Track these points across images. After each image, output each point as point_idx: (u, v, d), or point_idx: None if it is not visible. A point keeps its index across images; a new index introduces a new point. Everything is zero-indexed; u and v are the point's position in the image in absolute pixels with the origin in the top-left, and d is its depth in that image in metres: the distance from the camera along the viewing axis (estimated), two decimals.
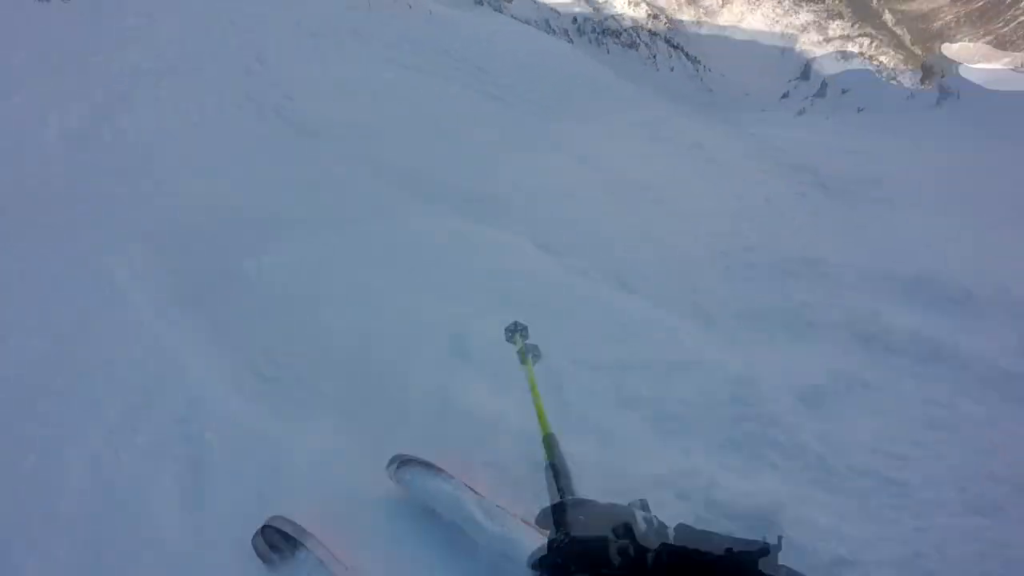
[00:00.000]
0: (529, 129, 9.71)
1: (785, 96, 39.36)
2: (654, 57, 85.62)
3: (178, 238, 5.14)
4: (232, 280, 4.57)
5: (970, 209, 7.54)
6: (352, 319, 4.11)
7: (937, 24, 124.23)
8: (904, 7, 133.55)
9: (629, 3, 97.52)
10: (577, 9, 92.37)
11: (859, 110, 33.44)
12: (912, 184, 8.80)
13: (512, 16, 75.54)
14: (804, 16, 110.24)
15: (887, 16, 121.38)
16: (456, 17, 16.18)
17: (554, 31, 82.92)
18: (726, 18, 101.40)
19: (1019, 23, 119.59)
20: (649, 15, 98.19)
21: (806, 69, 40.55)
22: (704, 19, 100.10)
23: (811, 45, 77.33)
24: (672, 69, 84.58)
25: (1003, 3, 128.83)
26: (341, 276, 4.71)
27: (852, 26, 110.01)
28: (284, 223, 5.39)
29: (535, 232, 5.57)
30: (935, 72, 30.50)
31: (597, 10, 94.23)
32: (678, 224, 6.36)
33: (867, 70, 57.88)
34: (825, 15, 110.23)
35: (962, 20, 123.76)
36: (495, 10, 77.87)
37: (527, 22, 76.92)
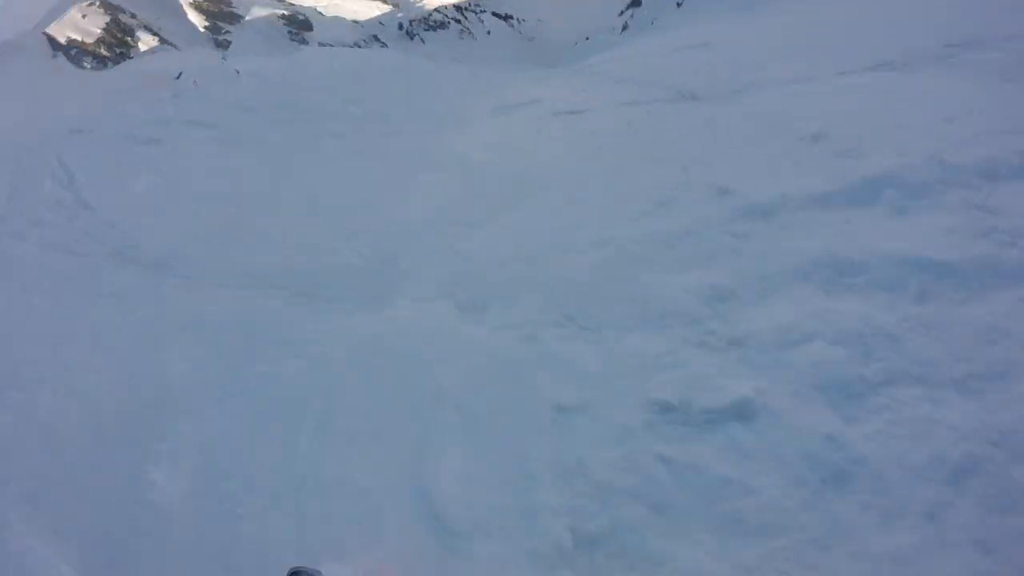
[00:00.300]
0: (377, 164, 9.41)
1: (625, 28, 40.07)
2: (469, 30, 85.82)
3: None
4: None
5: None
6: None
7: None
8: None
9: None
10: (400, 15, 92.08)
11: (677, 5, 34.30)
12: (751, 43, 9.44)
13: (320, 43, 74.22)
14: None
15: None
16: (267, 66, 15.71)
17: (383, 43, 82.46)
18: None
19: None
20: None
21: None
22: None
23: None
24: (488, 32, 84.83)
25: None
26: None
27: None
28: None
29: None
30: None
31: (415, 7, 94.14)
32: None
33: None
34: None
35: None
36: (300, 43, 76.46)
37: (344, 43, 75.88)
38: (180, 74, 14.72)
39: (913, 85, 6.99)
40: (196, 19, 71.17)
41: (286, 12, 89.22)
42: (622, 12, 41.54)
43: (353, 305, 5.94)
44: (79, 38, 55.53)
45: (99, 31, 56.04)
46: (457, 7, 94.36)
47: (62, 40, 54.80)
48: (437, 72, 14.74)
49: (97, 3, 57.68)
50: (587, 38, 49.96)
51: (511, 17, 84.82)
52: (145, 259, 7.07)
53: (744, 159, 6.34)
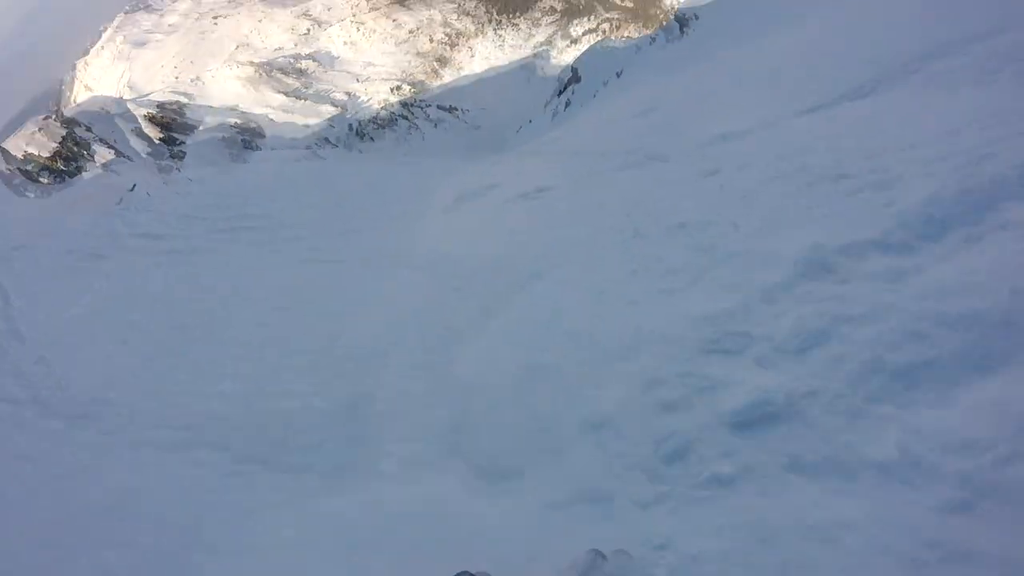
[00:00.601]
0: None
1: (568, 105, 41.76)
2: (416, 126, 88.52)
3: None
4: None
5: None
6: None
7: None
8: None
9: (392, 90, 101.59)
10: (349, 115, 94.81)
11: (617, 75, 35.75)
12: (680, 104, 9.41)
13: (273, 148, 75.26)
14: (546, 31, 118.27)
15: None
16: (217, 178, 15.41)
17: (334, 144, 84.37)
18: (479, 64, 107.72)
19: None
20: (392, 89, 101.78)
21: (565, 70, 43.69)
22: (461, 71, 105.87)
23: (562, 52, 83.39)
24: (435, 125, 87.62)
25: None
26: None
27: (589, 19, 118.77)
28: None
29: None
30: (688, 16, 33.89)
31: (365, 108, 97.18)
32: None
33: (603, 40, 61.88)
34: (565, 21, 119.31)
35: None
36: (253, 150, 77.37)
37: (296, 148, 77.04)
38: (134, 186, 14.40)
39: (894, 108, 6.35)
40: (151, 131, 72.17)
41: (238, 121, 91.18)
42: (562, 91, 43.05)
43: (318, 478, 4.35)
44: (35, 152, 55.68)
45: (55, 145, 56.23)
46: (403, 104, 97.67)
47: (18, 155, 54.82)
48: (389, 170, 14.70)
49: (53, 117, 58.17)
50: (530, 120, 51.55)
51: (455, 108, 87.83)
52: (68, 409, 6.20)
53: (764, 212, 5.62)
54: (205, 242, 10.10)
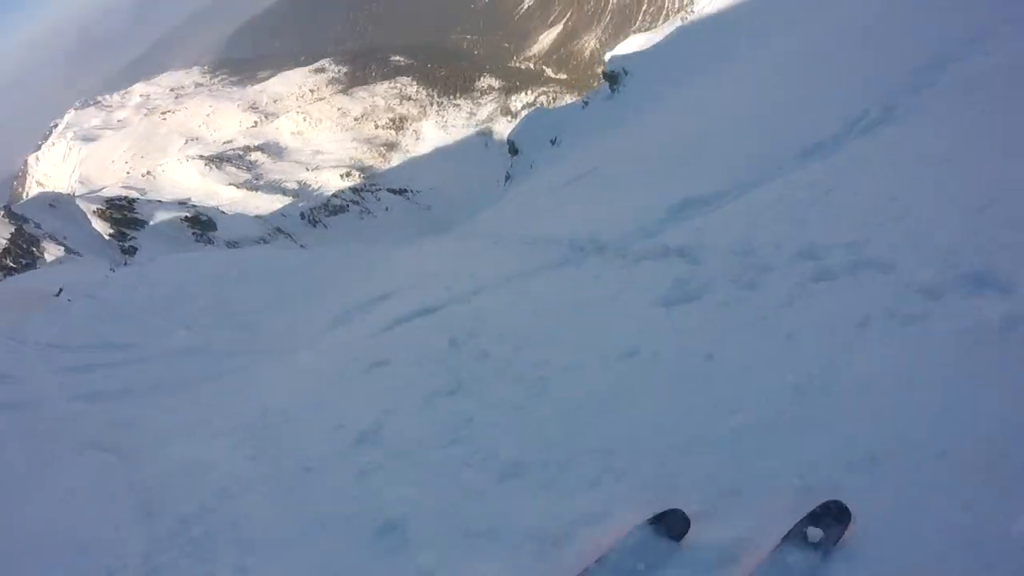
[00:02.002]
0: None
1: (508, 178, 42.22)
2: (368, 210, 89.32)
3: None
4: None
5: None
6: None
7: (587, 51, 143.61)
8: (534, 52, 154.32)
9: (342, 176, 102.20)
10: (302, 204, 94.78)
11: (552, 142, 35.85)
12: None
13: (226, 241, 75.06)
14: (487, 108, 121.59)
15: (548, 71, 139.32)
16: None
17: (287, 234, 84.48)
18: (425, 146, 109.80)
19: (645, 12, 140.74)
20: (342, 175, 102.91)
21: (511, 146, 43.39)
22: (409, 154, 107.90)
23: (505, 127, 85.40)
24: (387, 209, 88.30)
25: (625, 4, 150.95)
26: None
27: (528, 93, 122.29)
28: None
29: None
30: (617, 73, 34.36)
31: (316, 195, 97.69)
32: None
33: (536, 109, 63.23)
34: (504, 98, 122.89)
35: (603, 36, 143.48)
36: (206, 243, 77.06)
37: (249, 238, 76.88)
38: (60, 291, 14.22)
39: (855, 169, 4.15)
40: (101, 227, 71.16)
41: (189, 214, 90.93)
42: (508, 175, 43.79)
43: None
44: None
45: (4, 241, 55.08)
46: (354, 189, 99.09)
47: None
48: (318, 261, 14.24)
49: (2, 214, 57.02)
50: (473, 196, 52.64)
51: (406, 191, 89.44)
52: None
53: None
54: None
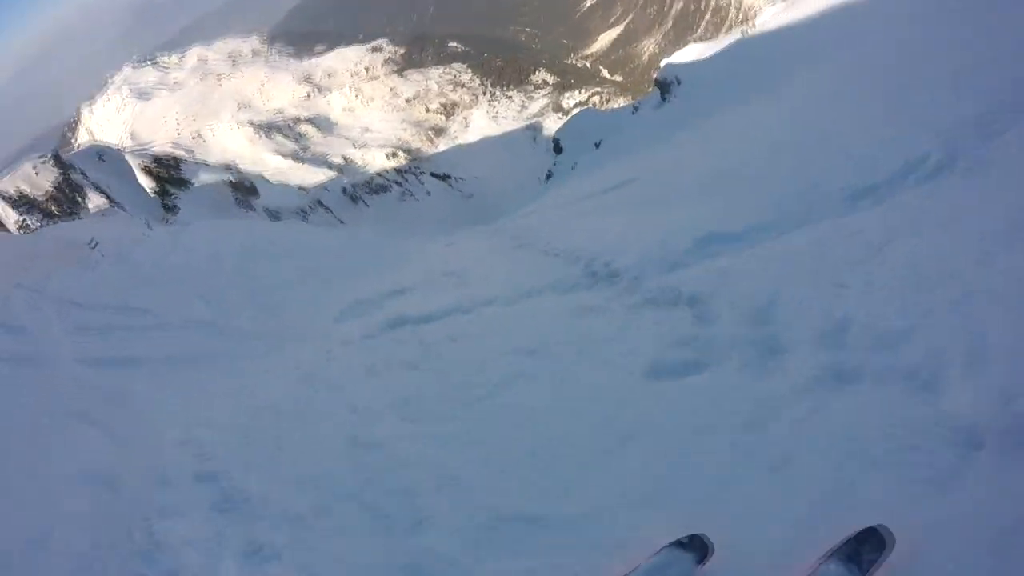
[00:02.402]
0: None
1: (549, 176, 42.17)
2: (410, 192, 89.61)
3: None
4: None
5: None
6: None
7: (645, 56, 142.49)
8: (592, 51, 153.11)
9: (388, 156, 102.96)
10: (344, 180, 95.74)
11: (596, 145, 36.01)
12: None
13: (266, 208, 75.93)
14: (539, 103, 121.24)
15: (604, 72, 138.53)
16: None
17: (328, 208, 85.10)
18: (473, 134, 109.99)
19: (707, 21, 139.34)
20: (388, 155, 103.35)
21: (555, 144, 43.45)
22: (456, 141, 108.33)
23: (556, 123, 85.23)
24: (429, 193, 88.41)
25: (688, 12, 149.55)
26: None
27: (581, 91, 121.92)
28: None
29: None
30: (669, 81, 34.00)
31: (360, 172, 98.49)
32: None
33: (585, 110, 62.71)
34: (557, 94, 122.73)
35: (662, 42, 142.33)
36: (247, 209, 78.12)
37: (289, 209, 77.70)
38: (94, 242, 13.87)
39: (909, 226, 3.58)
40: (146, 182, 72.40)
41: (233, 179, 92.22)
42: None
43: None
44: (29, 192, 55.39)
45: (50, 187, 56.00)
46: (398, 170, 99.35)
47: (12, 193, 54.43)
48: (352, 245, 14.10)
49: (49, 159, 57.96)
50: (522, 187, 52.60)
51: (449, 176, 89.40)
52: None
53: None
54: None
